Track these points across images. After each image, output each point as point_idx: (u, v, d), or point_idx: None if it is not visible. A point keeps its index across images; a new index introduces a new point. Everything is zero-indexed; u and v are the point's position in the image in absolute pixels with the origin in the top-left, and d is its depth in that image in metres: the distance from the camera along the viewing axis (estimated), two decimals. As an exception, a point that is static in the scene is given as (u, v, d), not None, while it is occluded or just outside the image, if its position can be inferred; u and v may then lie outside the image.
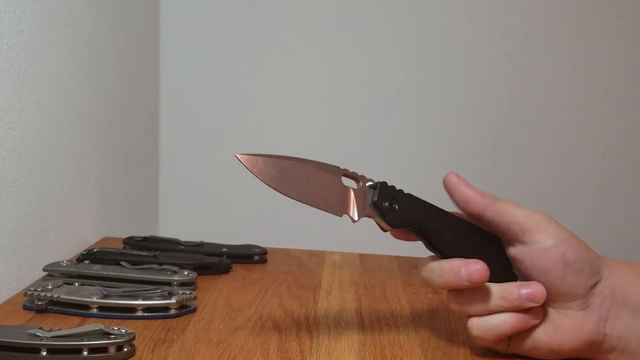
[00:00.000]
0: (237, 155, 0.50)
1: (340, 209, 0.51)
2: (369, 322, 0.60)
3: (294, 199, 0.50)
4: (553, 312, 0.51)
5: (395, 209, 0.51)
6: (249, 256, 0.77)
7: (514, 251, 0.51)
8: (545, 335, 0.51)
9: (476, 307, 0.51)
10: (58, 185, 0.73)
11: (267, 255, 0.79)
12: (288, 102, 1.15)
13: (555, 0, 1.11)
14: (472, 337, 0.52)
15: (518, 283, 0.50)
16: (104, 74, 0.86)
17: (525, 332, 0.51)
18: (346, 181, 0.52)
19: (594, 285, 0.50)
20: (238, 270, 0.74)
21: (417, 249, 0.75)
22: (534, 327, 0.51)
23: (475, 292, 0.51)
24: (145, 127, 1.10)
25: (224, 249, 0.77)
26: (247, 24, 1.13)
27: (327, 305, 0.65)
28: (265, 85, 1.14)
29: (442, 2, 1.12)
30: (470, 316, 0.51)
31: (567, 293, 0.50)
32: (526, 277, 0.51)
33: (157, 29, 1.12)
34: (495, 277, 0.50)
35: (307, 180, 0.50)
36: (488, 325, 0.50)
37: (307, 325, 0.59)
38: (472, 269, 0.49)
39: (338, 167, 0.52)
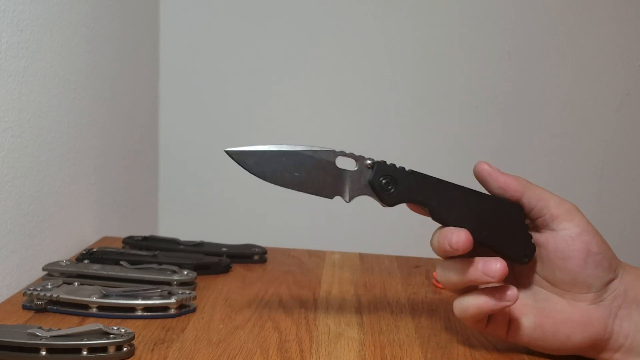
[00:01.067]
0: (227, 150, 0.52)
1: (332, 192, 0.52)
2: (369, 322, 0.60)
3: (283, 186, 0.51)
4: (563, 304, 0.51)
5: (390, 190, 0.51)
6: (249, 256, 0.77)
7: (539, 236, 0.52)
8: (554, 326, 0.51)
9: (450, 278, 0.52)
10: (57, 185, 0.73)
11: (266, 255, 0.79)
12: (288, 100, 1.15)
13: (555, -1, 1.12)
14: (457, 317, 0.53)
15: (481, 258, 0.51)
16: (103, 73, 0.86)
17: (530, 322, 0.51)
18: (344, 162, 0.52)
19: (610, 282, 0.50)
20: (238, 270, 0.74)
21: (417, 248, 0.75)
22: (541, 318, 0.51)
23: (451, 264, 0.52)
24: (145, 126, 1.10)
25: (224, 249, 0.77)
26: (247, 23, 1.13)
27: (327, 305, 0.65)
28: (265, 84, 1.14)
29: (442, 1, 1.12)
30: (452, 291, 0.53)
31: (583, 283, 0.50)
32: (546, 262, 0.51)
33: (157, 28, 1.12)
34: (504, 247, 0.51)
35: (296, 169, 0.51)
36: (462, 306, 0.52)
37: (307, 325, 0.59)
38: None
39: (333, 150, 0.52)
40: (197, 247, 0.77)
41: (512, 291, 0.50)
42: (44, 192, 0.70)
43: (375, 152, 1.13)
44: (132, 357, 0.50)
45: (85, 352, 0.49)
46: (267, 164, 0.52)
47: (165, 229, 1.16)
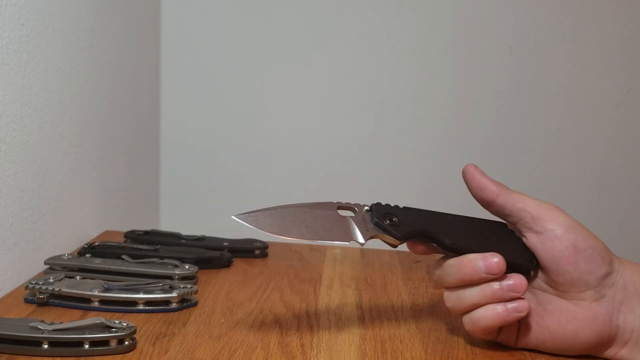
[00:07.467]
0: (234, 217, 0.55)
1: (346, 237, 0.53)
2: (370, 317, 0.61)
3: (299, 239, 0.53)
4: (567, 304, 0.51)
5: (396, 222, 0.53)
6: (250, 250, 0.77)
7: (525, 241, 0.52)
8: (560, 326, 0.51)
9: (465, 302, 0.52)
10: (59, 179, 0.73)
11: (268, 250, 0.79)
12: (288, 98, 1.14)
13: (557, -5, 1.11)
14: (467, 331, 0.53)
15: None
16: (104, 67, 0.86)
17: (537, 324, 0.52)
18: (343, 213, 0.54)
19: (606, 276, 0.50)
20: (239, 264, 0.75)
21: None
22: (547, 319, 0.51)
23: (463, 288, 0.52)
24: (146, 121, 1.10)
25: (225, 243, 0.77)
26: (249, 19, 1.12)
27: (328, 300, 0.65)
28: (266, 80, 1.14)
29: (443, -4, 1.12)
30: (463, 313, 0.53)
31: (579, 281, 0.50)
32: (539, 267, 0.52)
33: (158, 23, 1.12)
34: (512, 265, 0.51)
35: (306, 221, 0.54)
36: (473, 319, 0.52)
37: (308, 320, 0.59)
38: (491, 261, 0.50)
39: (332, 202, 0.54)
40: (199, 242, 0.77)
41: (524, 302, 0.50)
42: (46, 186, 0.70)
43: (376, 148, 1.14)
44: (133, 351, 0.51)
45: (87, 346, 0.49)
46: (277, 220, 0.55)
47: (167, 223, 1.16)
